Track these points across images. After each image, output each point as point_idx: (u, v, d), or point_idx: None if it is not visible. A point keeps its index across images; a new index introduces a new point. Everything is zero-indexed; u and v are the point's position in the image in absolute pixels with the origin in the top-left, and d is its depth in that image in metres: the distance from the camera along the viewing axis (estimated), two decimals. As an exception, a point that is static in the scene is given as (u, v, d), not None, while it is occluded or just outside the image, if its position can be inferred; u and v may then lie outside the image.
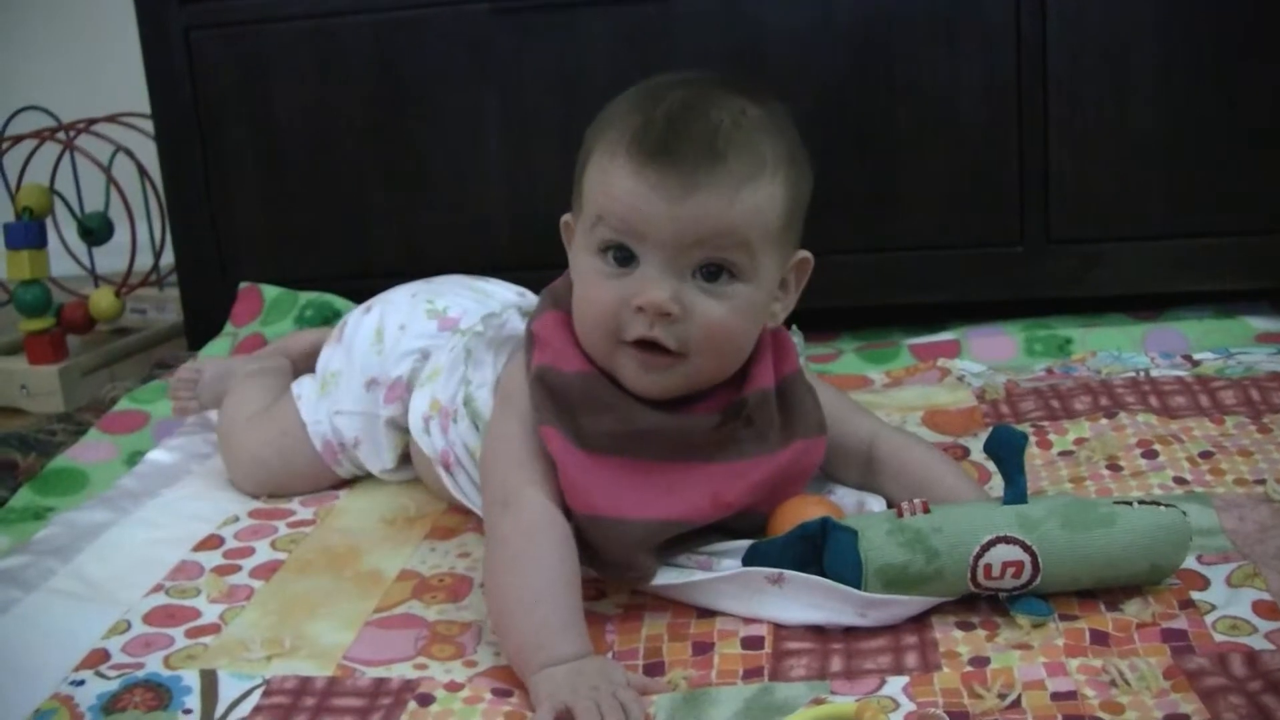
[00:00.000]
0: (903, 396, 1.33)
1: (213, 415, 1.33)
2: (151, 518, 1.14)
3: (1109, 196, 1.50)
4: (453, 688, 0.82)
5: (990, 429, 0.91)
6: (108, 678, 0.85)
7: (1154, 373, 1.30)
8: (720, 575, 0.89)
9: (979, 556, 0.84)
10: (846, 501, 1.01)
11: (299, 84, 1.63)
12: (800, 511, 0.93)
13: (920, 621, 0.85)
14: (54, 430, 1.40)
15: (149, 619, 0.94)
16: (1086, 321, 1.51)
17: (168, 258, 1.88)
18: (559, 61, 1.57)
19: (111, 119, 2.00)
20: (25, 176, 1.99)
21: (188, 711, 0.81)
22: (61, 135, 1.95)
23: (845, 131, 1.52)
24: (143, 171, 2.01)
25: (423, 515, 1.12)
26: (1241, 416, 1.15)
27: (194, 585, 1.00)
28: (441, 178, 1.62)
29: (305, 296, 1.61)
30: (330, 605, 0.96)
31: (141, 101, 1.71)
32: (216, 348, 1.58)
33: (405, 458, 1.17)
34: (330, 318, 1.55)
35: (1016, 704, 0.75)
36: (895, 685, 0.78)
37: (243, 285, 1.66)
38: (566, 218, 0.97)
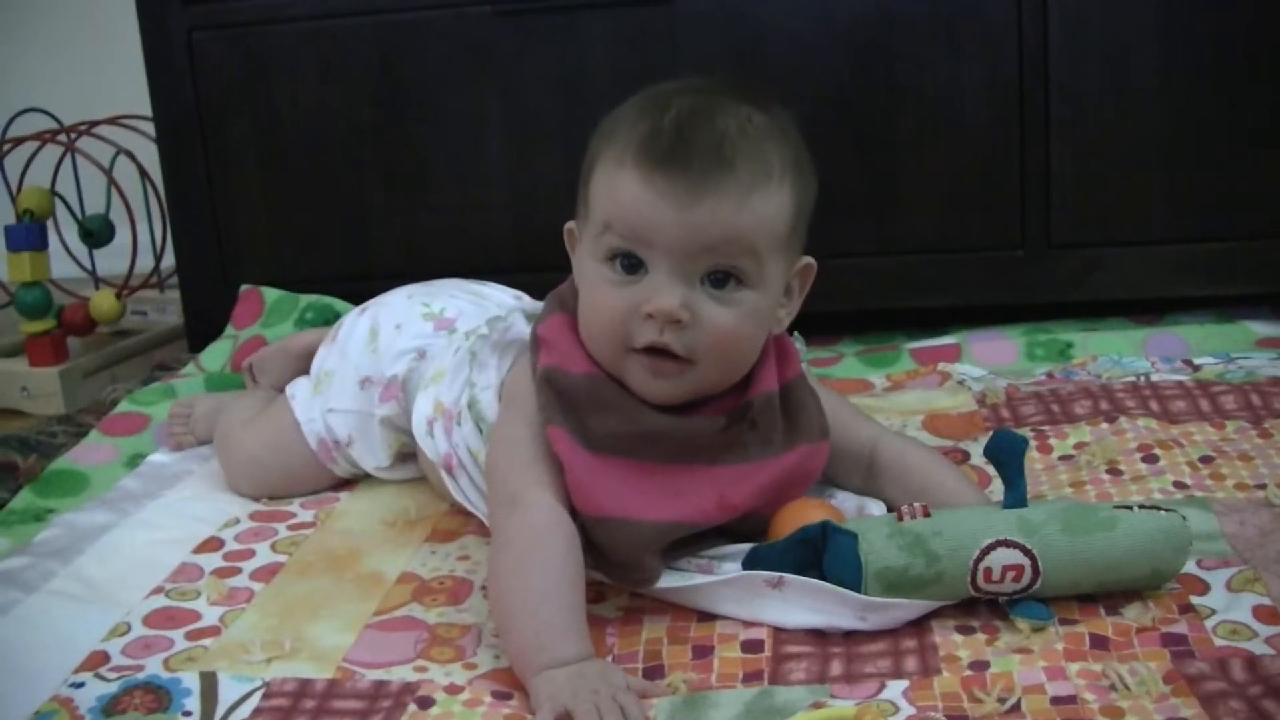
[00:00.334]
0: (903, 400, 1.33)
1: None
2: (152, 520, 1.14)
3: (1110, 200, 1.50)
4: (453, 690, 0.82)
5: (990, 433, 0.91)
6: (108, 680, 0.85)
7: (1154, 377, 1.30)
8: (720, 579, 0.89)
9: (979, 560, 0.84)
10: (847, 505, 1.00)
11: (300, 86, 1.63)
12: (800, 515, 0.93)
13: (920, 625, 0.85)
14: (54, 432, 1.40)
15: (149, 621, 0.94)
16: (1087, 325, 1.51)
17: (169, 260, 1.88)
18: (560, 63, 1.57)
19: (112, 121, 2.00)
20: (26, 178, 1.99)
21: (187, 714, 0.81)
22: (63, 137, 1.95)
23: (846, 134, 1.52)
24: (144, 173, 2.01)
25: (423, 518, 1.12)
26: (1242, 421, 1.15)
27: (194, 587, 1.00)
28: (443, 179, 1.62)
29: (306, 299, 1.61)
30: (330, 607, 0.96)
31: (143, 103, 1.72)
32: (217, 350, 1.58)
33: (401, 456, 1.17)
34: (331, 320, 1.55)
35: (1016, 708, 0.75)
36: (895, 689, 0.78)
37: (243, 288, 1.66)
38: (571, 225, 0.97)
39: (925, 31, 1.49)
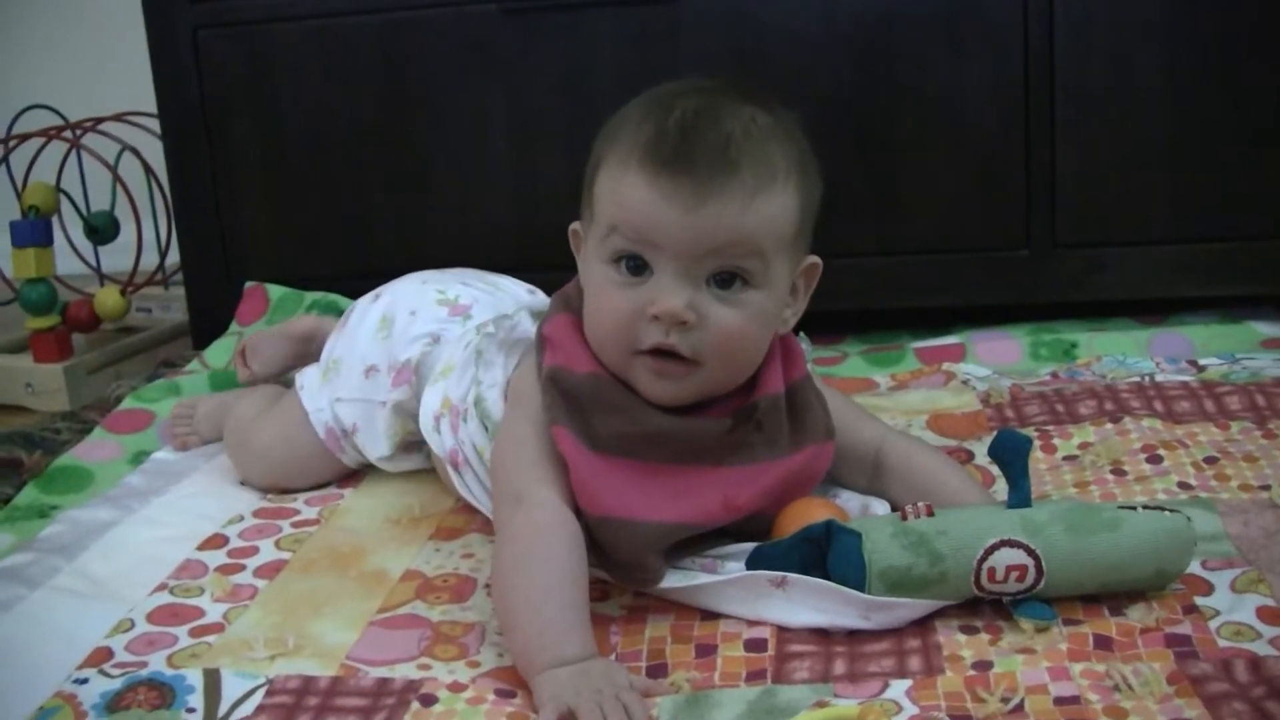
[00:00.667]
0: (908, 400, 1.33)
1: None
2: (156, 516, 1.14)
3: (1115, 200, 1.49)
4: (456, 688, 0.82)
5: (995, 433, 0.91)
6: (111, 676, 0.85)
7: (1159, 377, 1.30)
8: (724, 578, 0.89)
9: (983, 560, 0.84)
10: (851, 505, 1.00)
11: (305, 84, 1.63)
12: (805, 514, 0.93)
13: (924, 625, 0.85)
14: (59, 428, 1.40)
15: (153, 617, 0.94)
16: (1092, 326, 1.51)
17: (173, 257, 1.88)
18: (564, 62, 1.57)
19: (118, 118, 2.00)
20: (31, 175, 1.99)
21: (191, 710, 0.81)
22: (68, 134, 1.95)
23: (849, 134, 1.52)
24: (149, 170, 2.01)
25: (427, 515, 1.12)
26: (1246, 422, 1.14)
27: (198, 584, 1.00)
28: (447, 178, 1.62)
29: (311, 296, 1.61)
30: (334, 605, 0.96)
31: (148, 100, 1.72)
32: (222, 347, 1.59)
33: (405, 446, 1.17)
34: (335, 317, 1.55)
35: (1019, 708, 0.75)
36: (898, 688, 0.78)
37: (248, 284, 1.66)
38: (575, 226, 0.97)
39: (928, 32, 1.49)
